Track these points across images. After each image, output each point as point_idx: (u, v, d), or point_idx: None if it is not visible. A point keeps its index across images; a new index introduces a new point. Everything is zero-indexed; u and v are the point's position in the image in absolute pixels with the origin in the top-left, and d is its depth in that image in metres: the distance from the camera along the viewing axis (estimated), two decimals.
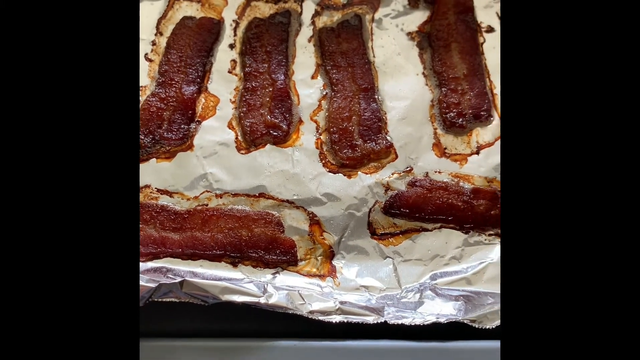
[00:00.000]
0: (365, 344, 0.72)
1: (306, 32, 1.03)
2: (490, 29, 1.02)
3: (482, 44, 1.01)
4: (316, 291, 0.78)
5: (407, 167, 0.90)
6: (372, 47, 1.01)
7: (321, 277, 0.81)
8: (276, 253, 0.82)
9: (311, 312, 0.73)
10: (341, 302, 0.75)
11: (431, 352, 0.71)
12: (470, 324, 0.73)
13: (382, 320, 0.73)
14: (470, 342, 0.72)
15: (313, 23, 1.03)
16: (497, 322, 0.73)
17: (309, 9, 1.05)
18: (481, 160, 0.90)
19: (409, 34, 1.02)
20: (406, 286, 0.80)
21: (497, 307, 0.75)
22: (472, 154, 0.91)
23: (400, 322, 0.73)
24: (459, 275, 0.81)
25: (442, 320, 0.72)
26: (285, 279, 0.80)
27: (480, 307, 0.75)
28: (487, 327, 0.73)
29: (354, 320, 0.73)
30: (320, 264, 0.83)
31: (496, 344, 0.71)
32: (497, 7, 1.04)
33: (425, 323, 0.72)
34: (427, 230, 0.85)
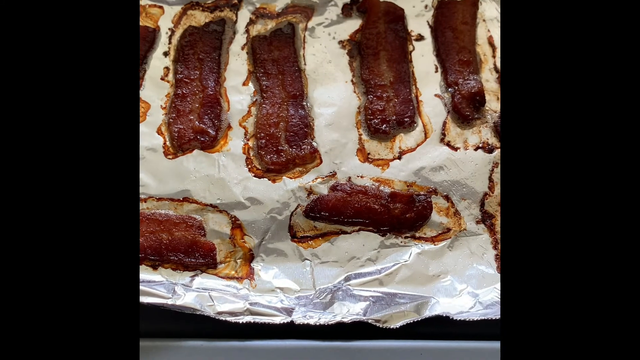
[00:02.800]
0: (271, 343, 0.74)
1: (240, 40, 1.05)
2: (420, 37, 1.06)
3: (411, 52, 1.04)
4: (230, 293, 0.80)
5: (331, 172, 0.93)
6: (303, 55, 1.04)
7: (239, 279, 0.84)
8: (195, 256, 0.84)
9: (219, 312, 0.76)
10: (250, 304, 0.78)
11: (335, 352, 0.74)
12: (374, 323, 0.75)
13: (289, 321, 0.75)
14: (372, 342, 0.75)
15: (247, 31, 1.06)
16: (402, 322, 0.76)
17: (244, 17, 1.07)
18: (402, 165, 0.93)
19: (340, 42, 1.05)
20: (320, 287, 0.82)
21: (404, 307, 0.78)
22: (394, 159, 0.94)
23: (306, 322, 0.75)
24: (372, 277, 0.83)
25: (346, 320, 0.75)
26: (204, 281, 0.83)
27: (387, 308, 0.78)
28: (392, 327, 0.75)
29: (261, 321, 0.75)
30: (239, 267, 0.85)
31: (397, 343, 0.74)
32: (428, 15, 1.07)
33: (329, 323, 0.75)
34: (346, 232, 0.88)
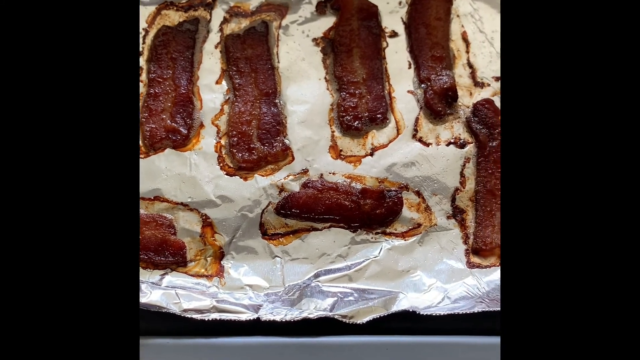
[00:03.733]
0: (237, 340, 0.74)
1: (214, 38, 1.05)
2: (394, 34, 1.06)
3: (385, 48, 1.04)
4: (199, 291, 0.81)
5: (303, 169, 0.93)
6: (277, 53, 1.04)
7: (208, 277, 0.84)
8: (165, 255, 0.84)
9: (185, 310, 0.76)
10: (217, 301, 0.78)
11: (300, 348, 0.74)
12: (341, 319, 0.75)
13: (255, 317, 0.75)
14: (339, 338, 0.75)
15: (221, 30, 1.06)
16: (369, 318, 0.76)
17: (218, 16, 1.07)
18: (374, 162, 0.93)
19: (314, 39, 1.05)
20: (290, 284, 0.82)
21: (372, 303, 0.78)
22: (366, 155, 0.94)
23: (272, 318, 0.75)
24: (341, 273, 0.83)
25: (312, 316, 0.75)
26: (173, 279, 0.83)
27: (355, 303, 0.78)
28: (358, 322, 0.75)
29: (227, 318, 0.75)
30: (209, 265, 0.85)
31: (363, 338, 0.74)
32: (402, 12, 1.07)
33: (295, 319, 0.75)
34: (317, 229, 0.88)
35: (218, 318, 0.75)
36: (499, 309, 0.76)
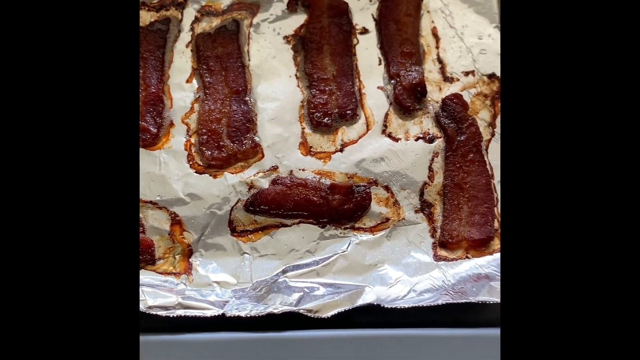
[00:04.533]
0: (202, 336, 0.75)
1: (185, 38, 1.05)
2: (364, 31, 1.06)
3: (355, 45, 1.05)
4: (167, 288, 0.81)
5: (273, 166, 0.93)
6: (248, 51, 1.04)
7: (176, 274, 0.84)
8: None
9: (150, 307, 0.76)
10: (183, 297, 0.78)
11: (265, 343, 0.74)
12: (306, 314, 0.76)
13: (220, 313, 0.75)
14: (303, 332, 0.75)
15: (192, 29, 1.06)
16: (334, 312, 0.76)
17: (189, 15, 1.07)
18: (344, 157, 0.94)
19: (285, 37, 1.05)
20: (257, 280, 0.83)
21: (337, 297, 0.78)
22: (335, 151, 0.95)
23: (237, 314, 0.75)
24: (309, 268, 0.84)
25: (277, 311, 0.75)
26: (142, 277, 0.83)
27: (320, 298, 0.78)
28: (323, 316, 0.76)
29: (192, 314, 0.76)
30: (178, 262, 0.86)
31: (327, 332, 0.75)
32: (373, 9, 1.07)
33: (260, 314, 0.75)
34: (286, 225, 0.88)
35: (183, 314, 0.76)
36: (463, 300, 0.76)
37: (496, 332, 0.76)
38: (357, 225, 0.88)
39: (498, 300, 0.75)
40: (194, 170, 0.92)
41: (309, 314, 0.76)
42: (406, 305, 0.76)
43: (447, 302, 0.76)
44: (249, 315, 0.75)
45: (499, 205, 0.88)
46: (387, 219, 0.89)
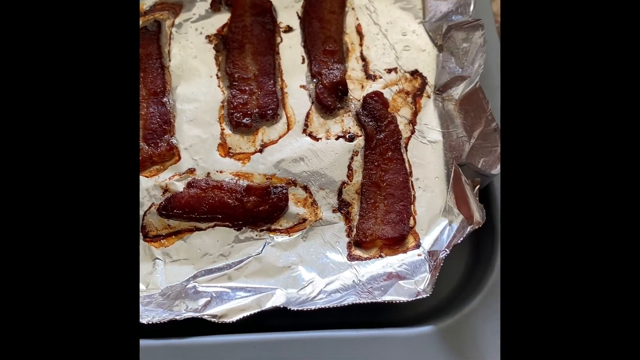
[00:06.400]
0: None
1: None
2: (289, 29, 1.05)
3: (279, 44, 1.03)
4: None
5: (189, 168, 0.91)
6: (169, 52, 1.02)
7: None
8: None
9: None
10: None
11: (167, 350, 0.72)
12: (210, 319, 0.74)
13: None
14: (206, 338, 0.73)
15: None
16: (239, 316, 0.74)
17: None
18: (263, 158, 0.92)
19: (207, 37, 1.03)
20: (167, 286, 0.80)
21: (245, 301, 0.77)
22: (255, 152, 0.93)
23: (142, 321, 0.73)
24: (221, 272, 0.82)
25: (179, 317, 0.73)
26: None
27: (227, 302, 0.77)
28: (228, 321, 0.74)
29: None
30: None
31: (231, 337, 0.73)
32: (298, 6, 1.06)
33: (162, 321, 0.73)
34: (201, 229, 0.86)
35: None
36: (369, 300, 0.75)
37: (404, 331, 0.75)
38: (273, 227, 0.86)
39: (404, 299, 0.74)
40: None
41: (213, 320, 0.74)
42: (312, 307, 0.75)
43: (354, 302, 0.74)
44: (150, 322, 0.73)
45: (415, 203, 0.87)
46: (305, 220, 0.87)
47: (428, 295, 0.73)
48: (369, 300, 0.74)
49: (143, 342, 0.73)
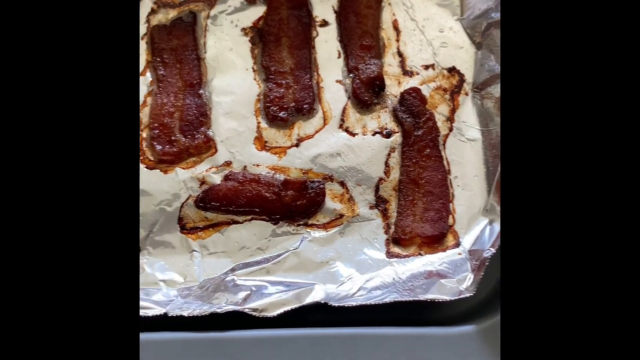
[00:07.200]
0: (144, 336, 0.72)
1: (141, 29, 1.02)
2: (324, 23, 1.04)
3: (315, 38, 1.02)
4: None
5: (226, 161, 0.91)
6: (204, 43, 1.01)
7: None
8: None
9: None
10: None
11: (208, 343, 0.72)
12: (251, 313, 0.74)
13: (163, 313, 0.73)
14: (247, 332, 0.73)
15: (148, 21, 1.03)
16: (280, 310, 0.74)
17: (145, 7, 1.04)
18: (299, 153, 0.92)
19: (243, 29, 1.03)
20: (204, 279, 0.80)
21: (285, 295, 0.76)
22: (291, 146, 0.92)
23: (180, 313, 0.73)
24: (259, 266, 0.82)
25: (220, 310, 0.73)
26: None
27: (267, 296, 0.76)
28: (269, 315, 0.74)
29: None
30: None
31: (272, 332, 0.73)
32: (334, 0, 1.05)
33: (203, 314, 0.73)
34: (238, 222, 0.86)
35: None
36: (411, 298, 0.74)
37: (445, 330, 0.75)
38: (310, 222, 0.86)
39: (447, 298, 0.73)
40: (144, 166, 0.90)
41: (254, 313, 0.73)
42: (353, 304, 0.75)
43: (395, 300, 0.74)
44: (191, 315, 0.73)
45: (454, 201, 0.87)
46: (341, 215, 0.87)
47: (472, 294, 0.73)
48: (410, 299, 0.74)
49: (182, 335, 0.73)
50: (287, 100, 0.96)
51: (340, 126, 0.94)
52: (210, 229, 0.86)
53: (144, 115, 0.95)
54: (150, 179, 0.88)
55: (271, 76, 0.98)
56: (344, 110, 0.95)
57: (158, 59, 0.99)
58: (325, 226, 0.86)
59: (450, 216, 0.85)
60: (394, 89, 0.97)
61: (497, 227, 0.80)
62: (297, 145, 0.93)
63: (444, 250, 0.82)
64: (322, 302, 0.75)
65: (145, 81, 0.98)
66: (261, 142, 0.93)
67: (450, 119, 0.94)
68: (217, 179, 0.89)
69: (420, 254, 0.82)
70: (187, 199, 0.87)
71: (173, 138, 0.91)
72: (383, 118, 0.95)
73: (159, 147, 0.90)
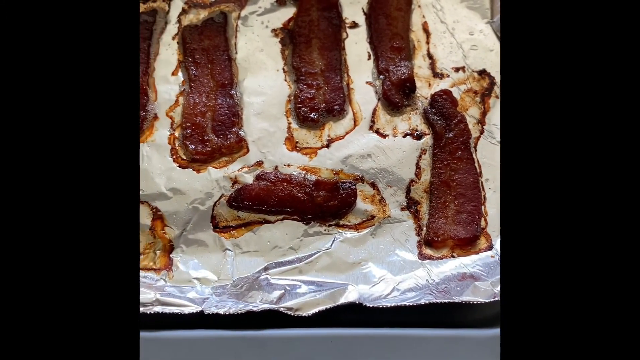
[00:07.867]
0: (180, 333, 0.73)
1: (172, 30, 1.04)
2: (354, 25, 1.04)
3: (345, 39, 1.03)
4: (146, 284, 0.79)
5: (257, 161, 0.91)
6: (235, 44, 1.02)
7: (156, 270, 0.82)
8: None
9: None
10: (161, 294, 0.76)
11: (244, 341, 0.73)
12: (286, 312, 0.74)
13: (199, 310, 0.74)
14: (283, 330, 0.73)
15: (179, 21, 1.04)
16: (315, 310, 0.75)
17: (176, 7, 1.05)
18: (330, 153, 0.92)
19: (273, 30, 1.04)
20: (238, 277, 0.81)
21: (319, 295, 0.77)
22: (322, 147, 0.93)
23: (216, 311, 0.74)
24: (292, 265, 0.82)
25: (256, 309, 0.74)
26: None
27: (302, 296, 0.77)
28: (304, 314, 0.74)
29: (170, 311, 0.74)
30: (158, 258, 0.84)
31: (308, 331, 0.73)
32: (363, 2, 1.06)
33: (239, 312, 0.74)
34: (270, 222, 0.87)
35: (160, 311, 0.74)
36: (446, 300, 0.75)
37: (478, 332, 0.75)
38: (341, 223, 0.87)
39: (482, 300, 0.74)
40: (177, 165, 0.91)
41: (289, 312, 0.74)
42: (388, 305, 0.75)
43: (430, 301, 0.74)
44: (227, 313, 0.73)
45: (486, 204, 0.87)
46: (373, 217, 0.87)
47: None
48: (445, 300, 0.74)
49: (217, 333, 0.74)
50: (318, 102, 0.96)
51: (371, 127, 0.94)
52: (243, 228, 0.86)
53: (176, 114, 0.96)
54: (183, 178, 0.89)
55: (302, 77, 0.99)
56: (374, 111, 0.96)
57: (190, 59, 1.00)
58: (356, 227, 0.86)
59: (483, 219, 0.85)
60: (424, 91, 0.97)
61: None
62: (327, 146, 0.93)
63: (477, 253, 0.82)
64: (357, 302, 0.75)
65: (177, 81, 0.99)
66: (292, 143, 0.94)
67: (481, 121, 0.94)
68: (249, 178, 0.90)
69: (453, 256, 0.82)
70: (219, 198, 0.88)
71: (205, 137, 0.92)
72: (413, 120, 0.95)
73: (191, 147, 0.91)
